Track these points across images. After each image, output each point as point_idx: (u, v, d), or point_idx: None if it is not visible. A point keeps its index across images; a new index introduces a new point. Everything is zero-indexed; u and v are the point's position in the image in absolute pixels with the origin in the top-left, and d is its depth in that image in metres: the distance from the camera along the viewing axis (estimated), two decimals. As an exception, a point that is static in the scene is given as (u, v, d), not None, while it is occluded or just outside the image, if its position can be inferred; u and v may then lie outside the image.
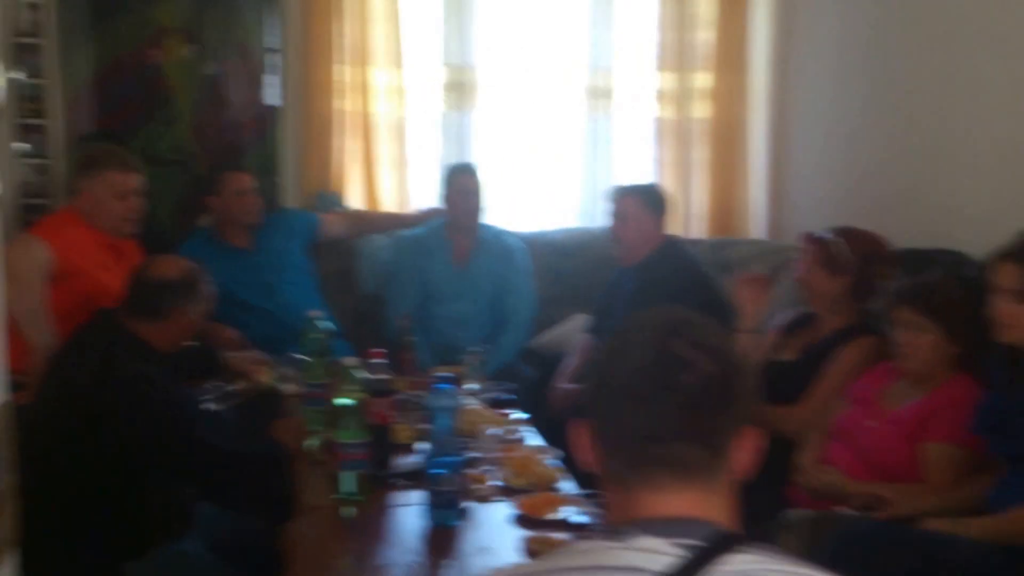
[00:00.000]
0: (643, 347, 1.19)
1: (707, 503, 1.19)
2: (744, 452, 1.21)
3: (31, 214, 4.05)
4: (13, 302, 3.04)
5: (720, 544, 1.13)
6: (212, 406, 3.06)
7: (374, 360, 2.75)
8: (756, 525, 1.20)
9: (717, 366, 1.17)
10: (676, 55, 4.52)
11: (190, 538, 2.69)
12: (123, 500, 2.58)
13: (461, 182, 3.99)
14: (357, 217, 4.39)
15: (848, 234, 3.07)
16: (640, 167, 4.54)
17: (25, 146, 4.13)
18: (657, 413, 1.17)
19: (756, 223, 4.57)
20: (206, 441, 2.65)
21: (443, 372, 3.03)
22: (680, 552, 1.11)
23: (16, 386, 2.74)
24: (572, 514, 2.38)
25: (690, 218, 4.56)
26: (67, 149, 4.19)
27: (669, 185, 4.46)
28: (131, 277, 2.78)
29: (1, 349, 2.40)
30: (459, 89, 4.49)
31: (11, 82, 4.04)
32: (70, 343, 2.81)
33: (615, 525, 1.19)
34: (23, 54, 4.08)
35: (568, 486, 2.62)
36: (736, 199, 4.56)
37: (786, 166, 4.51)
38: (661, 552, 1.12)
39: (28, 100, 4.10)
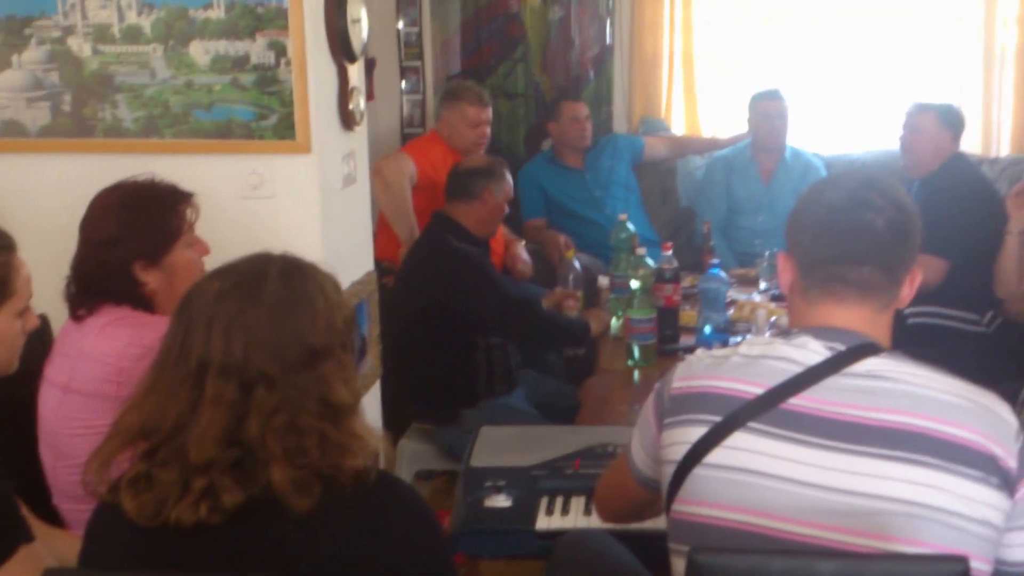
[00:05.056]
0: (840, 192, 1.44)
1: (872, 321, 1.42)
2: (909, 286, 1.46)
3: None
4: (385, 203, 3.85)
5: (860, 350, 1.37)
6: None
7: (665, 252, 3.25)
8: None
9: (898, 212, 1.43)
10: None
11: (515, 394, 3.31)
12: (460, 360, 3.21)
13: (765, 107, 4.36)
14: (676, 141, 4.89)
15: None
16: (948, 88, 4.62)
17: (405, 84, 5.03)
18: (851, 242, 1.41)
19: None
20: (514, 297, 3.26)
21: (740, 273, 3.50)
22: (828, 353, 1.37)
23: (387, 271, 3.54)
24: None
25: (994, 137, 4.60)
26: (438, 87, 5.02)
27: (975, 105, 4.53)
28: (450, 172, 3.39)
29: (368, 235, 3.15)
30: (771, 21, 4.82)
31: (395, 31, 4.92)
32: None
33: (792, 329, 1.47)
34: (404, 7, 4.96)
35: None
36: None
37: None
38: (814, 351, 1.37)
39: (408, 46, 4.99)
